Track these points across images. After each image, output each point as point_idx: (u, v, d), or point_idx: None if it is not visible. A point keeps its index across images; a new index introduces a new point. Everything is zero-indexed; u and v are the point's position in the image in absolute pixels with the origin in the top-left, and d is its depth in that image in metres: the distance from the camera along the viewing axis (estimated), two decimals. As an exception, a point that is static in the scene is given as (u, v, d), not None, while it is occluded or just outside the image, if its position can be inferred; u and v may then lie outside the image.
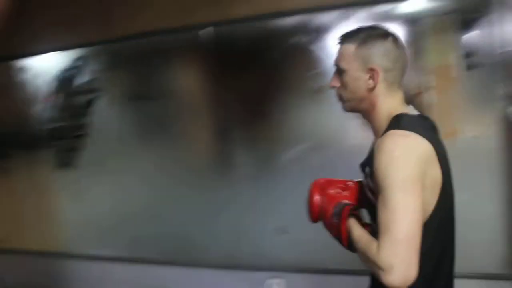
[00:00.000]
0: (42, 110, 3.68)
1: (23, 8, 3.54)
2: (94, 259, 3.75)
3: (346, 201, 1.33)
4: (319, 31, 2.74)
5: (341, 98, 1.38)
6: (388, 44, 1.27)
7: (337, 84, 1.35)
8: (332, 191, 1.38)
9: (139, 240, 3.55)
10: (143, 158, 3.41)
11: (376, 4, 2.60)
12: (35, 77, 3.66)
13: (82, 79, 3.50)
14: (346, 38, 1.32)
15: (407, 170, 1.13)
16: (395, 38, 1.29)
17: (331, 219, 1.30)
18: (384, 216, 1.11)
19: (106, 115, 3.48)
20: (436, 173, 1.20)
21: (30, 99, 3.70)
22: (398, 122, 1.24)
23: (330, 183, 1.42)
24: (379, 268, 1.07)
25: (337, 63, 1.35)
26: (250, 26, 2.92)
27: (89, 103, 3.54)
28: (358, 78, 1.29)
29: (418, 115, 1.32)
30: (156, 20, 3.16)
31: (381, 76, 1.27)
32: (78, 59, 3.49)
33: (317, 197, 1.38)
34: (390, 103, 1.30)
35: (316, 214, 1.40)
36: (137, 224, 3.52)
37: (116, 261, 3.66)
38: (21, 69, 3.71)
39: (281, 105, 2.92)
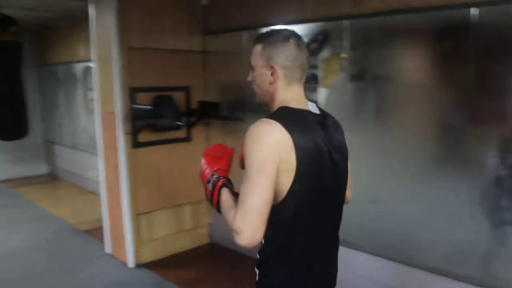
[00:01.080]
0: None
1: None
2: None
3: (221, 176, 1.54)
4: None
5: (255, 92, 1.58)
6: (289, 46, 1.46)
7: (250, 79, 1.56)
8: (215, 157, 1.62)
9: (352, 226, 3.40)
10: (365, 140, 3.23)
11: None
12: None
13: (322, 53, 3.45)
14: (257, 39, 1.52)
15: (261, 152, 1.34)
16: (297, 41, 1.48)
17: (206, 184, 1.56)
18: (241, 190, 1.35)
19: (338, 92, 3.37)
20: (290, 160, 1.35)
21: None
22: (274, 112, 1.47)
23: (220, 149, 1.66)
24: (233, 230, 1.32)
25: (250, 61, 1.54)
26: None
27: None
28: (262, 74, 1.50)
29: (303, 110, 1.47)
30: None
31: (280, 72, 1.47)
32: (321, 33, 3.44)
33: (202, 159, 1.63)
34: (285, 96, 1.49)
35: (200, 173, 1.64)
36: (352, 210, 3.37)
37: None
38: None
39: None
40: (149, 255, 4.12)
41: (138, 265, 4.02)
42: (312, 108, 1.52)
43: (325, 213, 1.52)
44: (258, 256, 1.51)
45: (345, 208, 3.42)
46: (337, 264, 1.61)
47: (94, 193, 6.05)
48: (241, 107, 4.11)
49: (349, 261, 3.43)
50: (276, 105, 1.50)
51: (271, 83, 1.49)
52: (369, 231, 3.29)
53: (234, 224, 1.31)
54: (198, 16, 4.33)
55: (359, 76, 3.24)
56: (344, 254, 3.36)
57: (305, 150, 1.38)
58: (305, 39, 3.44)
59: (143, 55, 3.95)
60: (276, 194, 1.36)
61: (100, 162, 4.24)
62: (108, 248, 4.30)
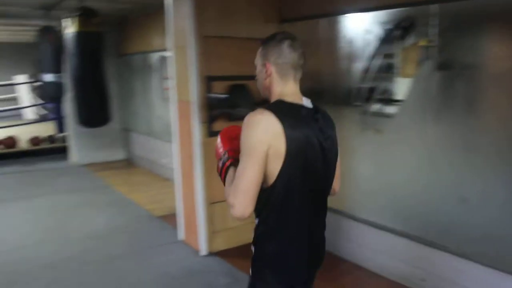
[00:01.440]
0: (360, 69, 3.60)
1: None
2: (369, 225, 3.66)
3: (231, 156, 1.71)
4: None
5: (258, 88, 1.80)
6: (282, 46, 1.66)
7: (257, 77, 1.77)
8: (230, 138, 1.78)
9: (420, 217, 3.29)
10: (452, 134, 3.04)
11: None
12: (360, 34, 3.57)
13: (407, 41, 3.25)
14: (261, 43, 1.71)
15: (252, 139, 1.54)
16: (291, 42, 1.66)
17: (218, 161, 1.76)
18: (236, 171, 1.57)
19: (423, 83, 3.16)
20: (280, 147, 1.54)
21: (351, 56, 3.66)
22: (269, 104, 1.66)
23: (235, 131, 1.77)
24: (228, 203, 1.54)
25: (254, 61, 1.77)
26: None
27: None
28: (260, 71, 1.72)
29: (296, 103, 1.65)
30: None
31: (273, 69, 1.67)
32: (406, 19, 3.24)
33: (219, 138, 1.82)
34: (281, 91, 1.68)
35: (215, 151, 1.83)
36: (423, 201, 3.23)
37: (388, 232, 3.52)
38: (347, 25, 3.68)
39: None
40: (222, 244, 4.15)
41: (210, 253, 4.07)
42: (306, 102, 1.68)
43: (314, 196, 1.70)
44: (254, 234, 1.70)
45: (429, 207, 3.22)
46: (325, 242, 1.79)
47: (168, 180, 6.22)
48: (317, 95, 3.96)
49: (433, 261, 3.25)
50: (273, 98, 1.69)
51: (265, 79, 1.70)
52: (456, 231, 3.08)
53: (229, 199, 1.54)
54: (274, 5, 4.25)
55: (447, 65, 3.01)
56: (428, 254, 3.24)
57: (294, 139, 1.55)
58: (387, 26, 3.32)
59: (218, 43, 3.95)
60: (267, 178, 1.57)
61: (175, 150, 4.31)
62: (181, 235, 4.39)
